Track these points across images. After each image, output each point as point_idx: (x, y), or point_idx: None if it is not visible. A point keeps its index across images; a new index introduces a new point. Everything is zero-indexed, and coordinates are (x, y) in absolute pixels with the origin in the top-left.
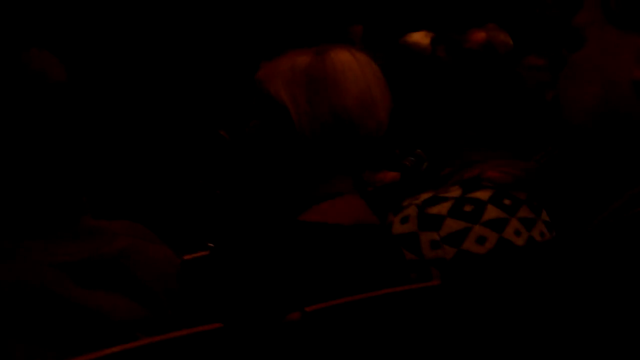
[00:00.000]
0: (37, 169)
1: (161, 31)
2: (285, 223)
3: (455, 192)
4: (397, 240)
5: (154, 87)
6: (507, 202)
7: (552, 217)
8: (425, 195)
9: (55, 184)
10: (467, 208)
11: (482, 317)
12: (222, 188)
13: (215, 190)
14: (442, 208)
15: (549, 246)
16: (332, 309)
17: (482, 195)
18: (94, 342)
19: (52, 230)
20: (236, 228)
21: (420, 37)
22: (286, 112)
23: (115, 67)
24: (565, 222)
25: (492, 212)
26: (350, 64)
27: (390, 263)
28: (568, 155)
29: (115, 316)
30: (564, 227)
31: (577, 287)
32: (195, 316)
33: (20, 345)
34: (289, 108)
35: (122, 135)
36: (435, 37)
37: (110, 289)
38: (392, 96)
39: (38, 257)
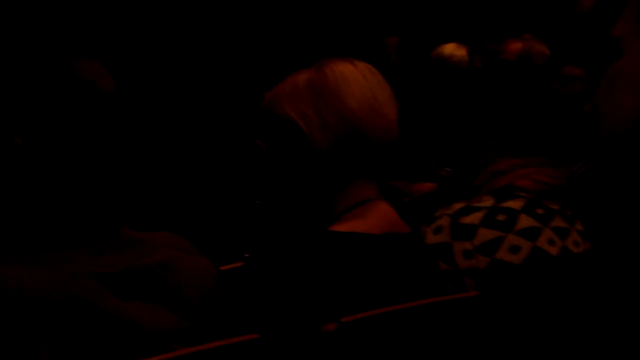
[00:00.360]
0: (80, 178)
1: (199, 46)
2: (317, 234)
3: (488, 201)
4: (431, 251)
5: (192, 99)
6: (539, 211)
7: (587, 227)
8: (457, 205)
9: (96, 195)
10: (500, 217)
11: (520, 329)
12: (261, 198)
13: (254, 200)
14: (475, 218)
15: (585, 257)
16: (368, 320)
17: (515, 204)
18: (131, 353)
19: (92, 241)
20: (270, 239)
21: (453, 49)
22: (298, 129)
23: (155, 79)
24: (601, 232)
25: (525, 221)
26: (350, 71)
27: (424, 272)
28: (605, 165)
29: (152, 327)
30: (599, 237)
31: (614, 297)
32: (232, 327)
33: (54, 356)
34: (299, 124)
35: (161, 146)
36: (472, 48)
37: (148, 300)
38: (426, 107)
39: (77, 267)
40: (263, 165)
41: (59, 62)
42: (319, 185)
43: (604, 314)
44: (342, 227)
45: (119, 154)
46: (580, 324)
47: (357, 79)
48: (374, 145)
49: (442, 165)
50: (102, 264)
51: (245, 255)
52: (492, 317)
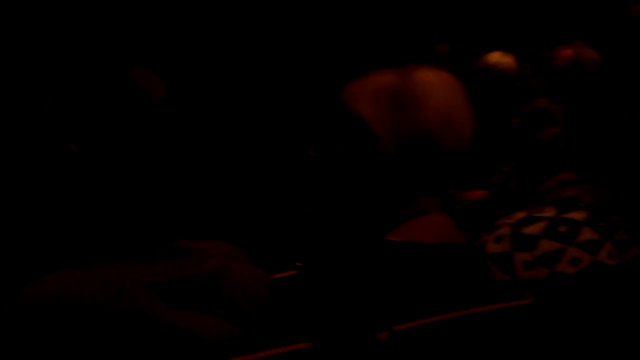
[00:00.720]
0: (134, 187)
1: (253, 53)
2: (372, 242)
3: (550, 212)
4: (491, 260)
5: (245, 106)
6: (602, 224)
7: None
8: (519, 215)
9: (150, 203)
10: (562, 229)
11: (574, 338)
12: (309, 205)
13: (302, 207)
14: (537, 228)
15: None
16: (421, 328)
17: (577, 216)
18: None
19: (146, 250)
20: (324, 247)
21: (498, 57)
22: (370, 131)
23: (208, 87)
24: None
25: (587, 234)
26: (434, 83)
27: (479, 282)
28: None
29: (206, 336)
30: None
31: None
32: (285, 335)
33: None
34: (372, 127)
35: (213, 155)
36: (521, 55)
37: (202, 309)
38: (479, 116)
39: (131, 276)
40: (319, 170)
41: (113, 71)
42: (381, 192)
43: None
44: (398, 236)
45: (172, 162)
46: (635, 334)
47: (439, 93)
48: (444, 160)
49: (493, 172)
50: (156, 273)
51: (297, 264)
52: (547, 326)
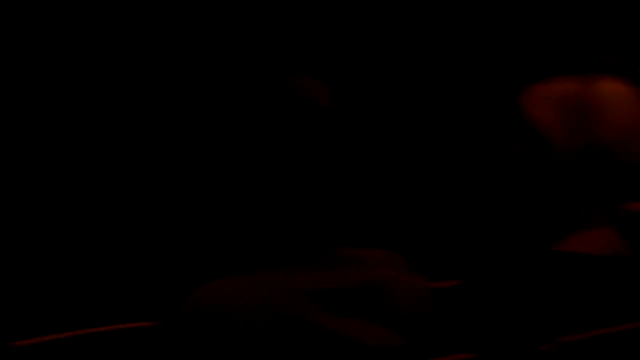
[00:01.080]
0: (302, 195)
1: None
2: (539, 253)
3: None
4: None
5: (418, 108)
6: None
7: None
8: None
9: (315, 211)
10: None
11: None
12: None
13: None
14: None
15: None
16: (588, 341)
17: None
18: None
19: (308, 258)
20: (489, 257)
21: None
22: (545, 138)
23: (372, 93)
24: None
25: None
26: (618, 96)
27: None
28: None
29: (369, 344)
30: None
31: None
32: (449, 345)
33: None
34: (548, 134)
35: (374, 161)
36: None
37: (365, 317)
38: None
39: (293, 284)
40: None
41: (279, 79)
42: (551, 202)
43: None
44: (566, 248)
45: (336, 169)
46: None
47: (623, 106)
48: (619, 174)
49: None
50: (319, 281)
51: (459, 272)
52: None
